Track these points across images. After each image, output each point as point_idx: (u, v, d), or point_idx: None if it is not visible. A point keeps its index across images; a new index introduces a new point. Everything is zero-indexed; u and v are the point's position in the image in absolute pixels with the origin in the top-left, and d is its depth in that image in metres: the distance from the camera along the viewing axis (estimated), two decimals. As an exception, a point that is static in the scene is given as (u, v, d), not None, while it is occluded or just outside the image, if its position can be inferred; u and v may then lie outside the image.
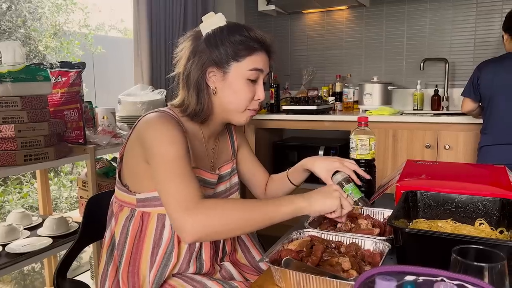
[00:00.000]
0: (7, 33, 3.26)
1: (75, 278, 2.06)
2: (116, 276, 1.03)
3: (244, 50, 0.99)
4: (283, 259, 0.78)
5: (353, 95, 3.17)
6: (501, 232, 0.87)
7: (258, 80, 1.03)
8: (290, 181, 1.24)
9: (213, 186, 1.10)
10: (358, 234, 0.92)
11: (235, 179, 1.21)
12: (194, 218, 0.85)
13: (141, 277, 1.00)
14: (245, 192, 3.05)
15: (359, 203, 1.09)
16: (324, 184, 1.10)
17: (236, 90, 1.01)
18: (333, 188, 0.95)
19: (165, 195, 0.90)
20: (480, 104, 2.31)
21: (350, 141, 1.24)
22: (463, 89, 2.37)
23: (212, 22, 1.01)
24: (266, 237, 1.30)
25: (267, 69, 1.05)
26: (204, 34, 1.01)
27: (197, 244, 1.02)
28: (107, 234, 1.09)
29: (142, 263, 1.00)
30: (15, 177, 3.07)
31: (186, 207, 0.86)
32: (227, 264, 1.08)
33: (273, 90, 3.18)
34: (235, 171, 1.22)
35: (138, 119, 1.01)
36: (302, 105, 2.94)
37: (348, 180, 1.11)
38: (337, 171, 1.13)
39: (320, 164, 1.16)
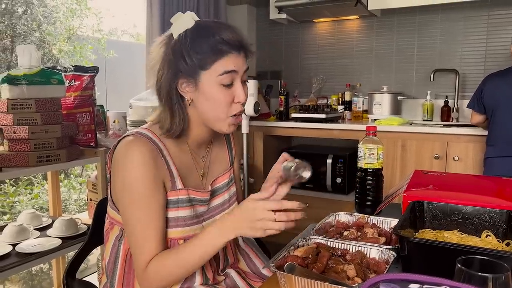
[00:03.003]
0: (22, 36, 3.32)
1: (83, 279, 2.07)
2: None
3: (210, 57, 0.92)
4: (286, 264, 0.79)
5: (363, 104, 3.18)
6: (507, 244, 0.87)
7: (234, 82, 0.96)
8: None
9: (206, 203, 1.06)
10: (364, 243, 0.92)
11: (233, 188, 1.16)
12: (147, 282, 0.93)
13: None
14: (252, 192, 3.06)
15: (299, 171, 0.94)
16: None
17: (210, 98, 0.94)
18: (256, 217, 0.84)
19: (129, 241, 0.97)
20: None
21: (358, 150, 1.25)
22: (473, 100, 2.39)
23: (181, 23, 0.95)
24: (273, 244, 1.31)
25: (243, 67, 0.96)
26: (175, 37, 0.95)
27: None
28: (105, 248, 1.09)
29: (136, 283, 1.00)
30: (26, 178, 3.11)
31: (141, 272, 0.94)
32: (231, 271, 1.08)
33: (282, 97, 3.19)
34: (233, 180, 1.17)
35: (119, 140, 0.98)
36: (311, 113, 2.95)
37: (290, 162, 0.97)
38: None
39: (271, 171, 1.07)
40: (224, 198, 1.12)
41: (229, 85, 0.95)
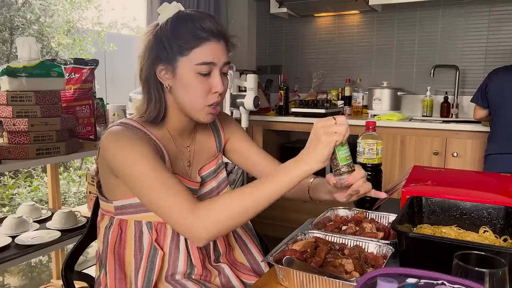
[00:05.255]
0: (20, 29, 3.31)
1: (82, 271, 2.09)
2: (106, 282, 1.03)
3: (188, 44, 0.92)
4: (284, 258, 0.79)
5: (362, 99, 3.18)
6: (505, 240, 0.88)
7: (212, 73, 0.96)
8: (309, 193, 1.11)
9: (195, 193, 1.05)
10: (362, 237, 0.92)
11: (222, 175, 1.15)
12: (200, 220, 0.83)
13: (128, 282, 1.00)
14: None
15: (342, 171, 0.89)
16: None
17: (187, 85, 0.94)
18: (317, 128, 0.84)
19: (161, 212, 0.88)
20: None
21: (358, 145, 1.25)
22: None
23: (167, 13, 0.96)
24: (271, 238, 1.31)
25: (223, 60, 0.96)
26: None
27: (183, 247, 0.99)
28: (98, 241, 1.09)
29: (127, 269, 1.00)
30: (25, 170, 3.11)
31: (187, 212, 0.84)
32: (225, 267, 1.06)
33: (282, 92, 3.19)
34: (222, 166, 1.16)
35: (105, 130, 0.98)
36: (310, 108, 2.95)
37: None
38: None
39: None
40: (212, 186, 1.11)
41: (206, 75, 0.95)
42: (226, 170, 1.19)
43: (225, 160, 1.21)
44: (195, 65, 0.93)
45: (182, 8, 0.98)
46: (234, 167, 2.60)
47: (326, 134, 0.82)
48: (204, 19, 0.94)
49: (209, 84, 0.96)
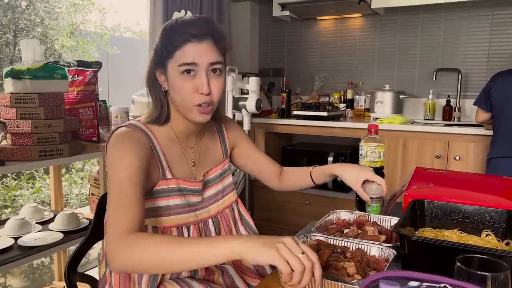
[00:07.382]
0: (24, 31, 3.32)
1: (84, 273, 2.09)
2: (110, 280, 1.04)
3: (170, 46, 0.98)
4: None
5: (365, 102, 3.18)
6: (507, 244, 0.88)
7: (198, 74, 0.97)
8: (313, 180, 1.24)
9: (199, 193, 1.08)
10: (364, 240, 0.93)
11: (228, 180, 1.18)
12: (120, 252, 0.81)
13: (132, 282, 1.01)
14: (253, 189, 3.07)
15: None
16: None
17: (175, 86, 0.99)
18: (281, 239, 0.72)
19: (107, 219, 0.89)
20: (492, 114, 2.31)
21: (360, 148, 1.25)
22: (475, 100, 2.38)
23: None
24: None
25: (206, 60, 0.97)
26: None
27: None
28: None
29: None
30: (28, 172, 3.12)
31: (117, 238, 0.83)
32: (230, 269, 1.07)
33: (284, 95, 3.20)
34: (228, 171, 1.20)
35: (113, 131, 1.02)
36: (313, 111, 2.95)
37: (379, 199, 1.14)
38: (370, 182, 1.14)
39: (351, 172, 1.16)
40: (217, 189, 1.15)
41: (191, 75, 0.98)
42: None
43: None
44: (177, 66, 0.98)
45: (190, 15, 1.04)
46: (236, 170, 2.60)
47: (275, 248, 0.70)
48: (189, 22, 0.99)
49: (194, 85, 0.98)
